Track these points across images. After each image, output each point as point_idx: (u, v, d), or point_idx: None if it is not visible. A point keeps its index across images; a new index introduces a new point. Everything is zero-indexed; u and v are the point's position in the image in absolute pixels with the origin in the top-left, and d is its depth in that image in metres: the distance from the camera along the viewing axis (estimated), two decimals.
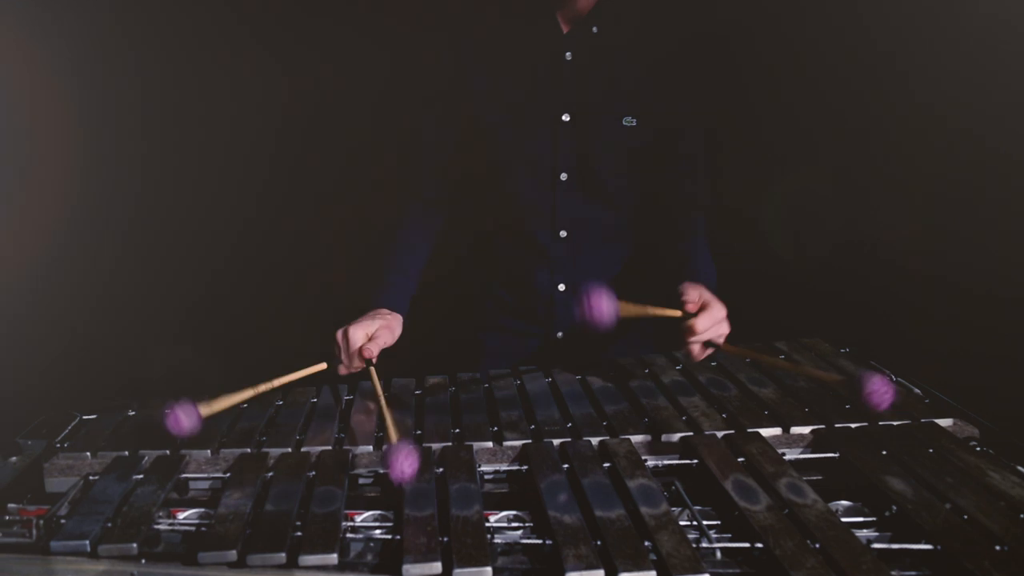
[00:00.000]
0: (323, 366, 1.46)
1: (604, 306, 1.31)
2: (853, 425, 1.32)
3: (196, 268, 2.39)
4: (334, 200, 2.38)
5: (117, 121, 2.28)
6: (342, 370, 1.48)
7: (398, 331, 1.55)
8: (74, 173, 2.22)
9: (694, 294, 1.42)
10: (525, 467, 1.24)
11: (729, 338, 1.44)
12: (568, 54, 1.59)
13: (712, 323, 1.40)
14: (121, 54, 2.26)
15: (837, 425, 1.32)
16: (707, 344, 1.42)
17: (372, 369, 1.44)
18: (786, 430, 1.32)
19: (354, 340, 1.46)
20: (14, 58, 2.09)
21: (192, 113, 2.33)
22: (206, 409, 1.27)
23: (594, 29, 1.59)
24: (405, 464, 1.11)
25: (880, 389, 1.18)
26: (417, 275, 1.68)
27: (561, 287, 1.72)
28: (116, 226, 2.30)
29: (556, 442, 1.29)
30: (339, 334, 1.48)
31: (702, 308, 1.41)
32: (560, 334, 1.76)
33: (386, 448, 1.14)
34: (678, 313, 1.42)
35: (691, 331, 1.39)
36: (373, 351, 1.45)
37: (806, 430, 1.32)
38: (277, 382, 1.38)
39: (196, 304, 2.39)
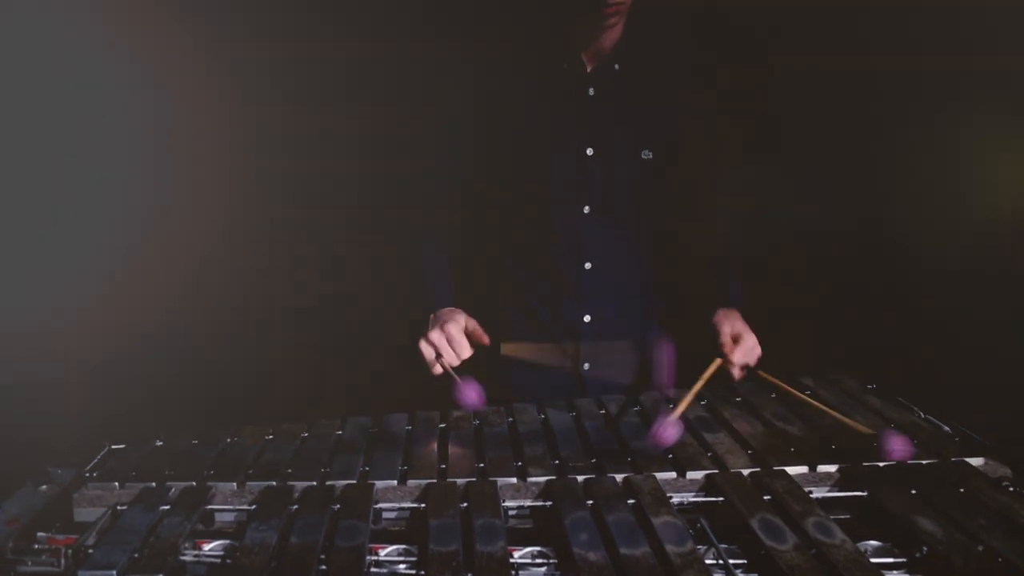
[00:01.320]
0: (719, 362, 1.57)
1: (669, 433, 1.34)
2: (881, 464, 1.30)
3: (234, 306, 2.41)
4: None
5: None
6: (438, 370, 1.51)
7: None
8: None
9: (726, 329, 1.58)
10: (549, 503, 1.24)
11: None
12: (591, 90, 1.65)
13: (746, 353, 1.56)
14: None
15: (864, 464, 1.30)
16: (744, 367, 1.57)
17: (504, 345, 1.62)
18: (812, 468, 1.31)
19: (455, 333, 1.51)
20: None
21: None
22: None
23: (616, 67, 1.65)
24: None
25: (899, 448, 1.30)
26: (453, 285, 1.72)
27: (587, 318, 1.74)
28: (154, 254, 2.33)
29: (580, 478, 1.29)
30: (434, 335, 1.51)
31: (735, 340, 1.57)
32: (587, 366, 1.77)
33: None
34: (719, 362, 1.57)
35: (729, 364, 1.55)
36: (483, 334, 1.55)
37: (833, 468, 1.31)
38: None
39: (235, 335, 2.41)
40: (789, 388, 1.54)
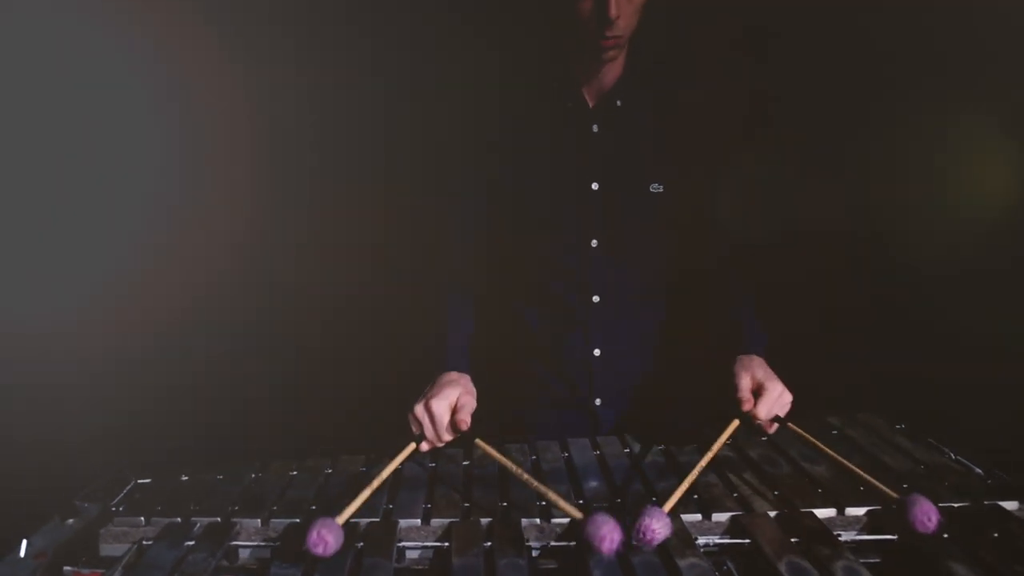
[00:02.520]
0: (413, 447, 1.41)
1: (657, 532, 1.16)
2: None
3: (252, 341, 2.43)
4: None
5: None
6: (425, 447, 1.43)
7: (475, 392, 1.51)
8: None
9: (745, 383, 1.45)
10: (574, 543, 1.23)
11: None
12: (595, 126, 1.66)
13: (772, 405, 1.43)
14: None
15: (895, 506, 1.28)
16: (775, 419, 1.45)
17: (479, 442, 1.38)
18: (840, 510, 1.29)
19: (440, 414, 1.41)
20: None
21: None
22: (341, 519, 1.20)
23: (618, 103, 1.66)
24: (613, 535, 1.11)
25: (925, 516, 1.15)
26: (469, 339, 1.68)
27: (596, 352, 1.73)
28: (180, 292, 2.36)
29: None
30: (419, 410, 1.43)
31: (757, 392, 1.45)
32: (598, 401, 1.77)
33: (587, 521, 1.13)
34: (736, 424, 1.43)
35: (755, 419, 1.43)
36: (466, 420, 1.41)
37: (861, 511, 1.29)
38: (377, 481, 1.29)
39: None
40: (819, 445, 1.38)
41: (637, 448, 1.55)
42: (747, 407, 1.43)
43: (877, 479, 1.34)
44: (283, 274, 2.39)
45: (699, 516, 1.29)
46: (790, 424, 1.43)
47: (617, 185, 1.66)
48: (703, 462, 1.34)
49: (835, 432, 1.60)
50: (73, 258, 2.22)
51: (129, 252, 2.28)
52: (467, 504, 1.35)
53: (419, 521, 1.29)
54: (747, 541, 1.22)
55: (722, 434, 1.41)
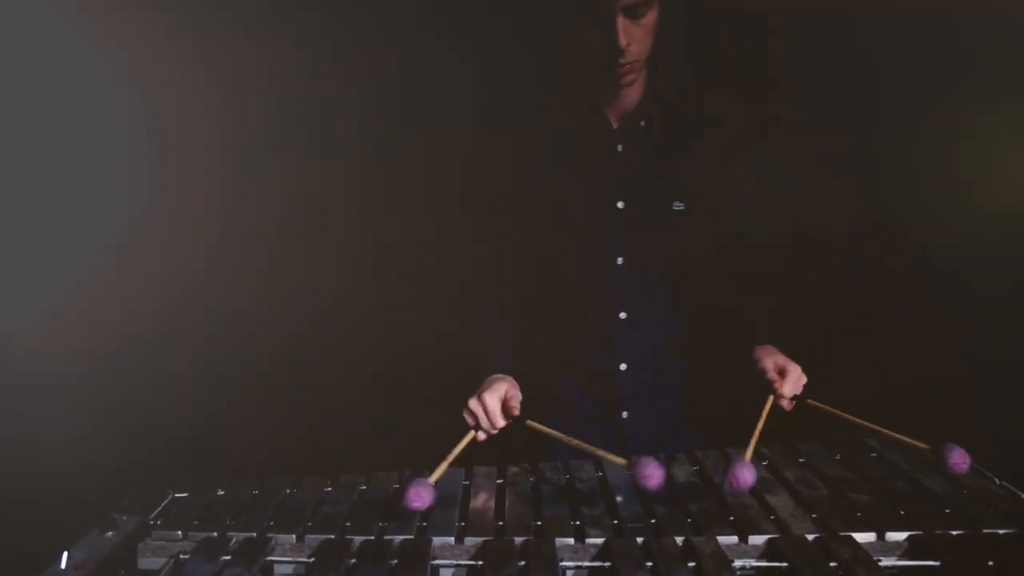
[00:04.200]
0: (472, 435, 1.55)
1: (747, 477, 1.37)
2: (954, 532, 1.25)
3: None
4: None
5: None
6: (482, 436, 1.57)
7: (519, 388, 1.63)
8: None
9: (770, 364, 1.61)
10: (608, 564, 1.22)
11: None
12: (619, 146, 1.70)
13: (794, 384, 1.59)
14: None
15: (937, 531, 1.26)
16: (793, 398, 1.59)
17: (530, 422, 1.53)
18: (881, 535, 1.27)
19: (492, 405, 1.55)
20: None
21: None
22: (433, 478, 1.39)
23: (641, 123, 1.69)
24: (656, 474, 1.33)
25: (960, 461, 1.39)
26: (510, 345, 1.76)
27: (623, 367, 1.75)
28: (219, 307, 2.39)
29: (639, 539, 1.27)
30: (473, 403, 1.56)
31: (781, 373, 1.59)
32: (625, 414, 1.78)
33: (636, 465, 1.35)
34: (772, 399, 1.58)
35: (780, 397, 1.57)
36: (516, 407, 1.55)
37: (902, 536, 1.26)
38: (444, 464, 1.45)
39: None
40: (840, 413, 1.53)
41: (673, 468, 1.54)
42: (778, 385, 1.58)
43: (919, 505, 1.33)
44: (331, 288, 2.41)
45: (735, 538, 1.28)
46: (809, 400, 1.58)
47: (642, 203, 1.70)
48: (755, 437, 1.49)
49: (874, 455, 1.58)
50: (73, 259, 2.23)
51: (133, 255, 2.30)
52: (501, 523, 1.35)
53: (453, 539, 1.29)
54: (784, 565, 1.20)
55: (762, 411, 1.55)
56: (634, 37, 1.51)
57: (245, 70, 2.26)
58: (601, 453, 1.43)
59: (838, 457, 1.57)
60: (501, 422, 1.55)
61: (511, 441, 1.59)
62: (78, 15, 2.12)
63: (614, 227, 1.70)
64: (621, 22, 1.49)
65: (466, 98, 2.20)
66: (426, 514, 1.38)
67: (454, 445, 1.50)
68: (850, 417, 1.52)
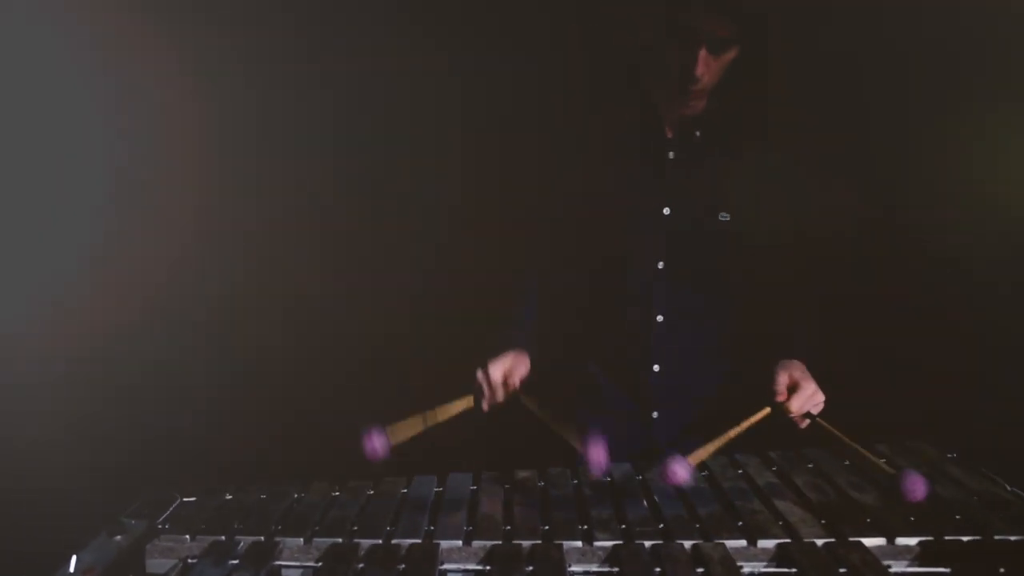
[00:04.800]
0: (470, 400, 1.60)
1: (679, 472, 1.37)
2: (965, 539, 1.25)
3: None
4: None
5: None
6: (485, 405, 1.62)
7: (528, 364, 1.68)
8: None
9: (782, 379, 1.57)
10: (616, 569, 1.22)
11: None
12: (671, 154, 1.71)
13: (804, 401, 1.55)
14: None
15: (947, 537, 1.25)
16: (806, 415, 1.55)
17: (525, 398, 1.58)
18: (891, 541, 1.26)
19: (495, 377, 1.60)
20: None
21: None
22: (392, 436, 1.46)
23: (697, 133, 1.71)
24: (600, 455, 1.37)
25: (917, 489, 1.32)
26: (534, 325, 1.79)
27: (656, 368, 1.76)
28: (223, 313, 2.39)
29: (647, 544, 1.27)
30: (480, 374, 1.61)
31: (792, 389, 1.56)
32: (655, 414, 1.78)
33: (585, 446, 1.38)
34: (767, 411, 1.55)
35: (787, 413, 1.54)
36: (516, 382, 1.61)
37: (912, 541, 1.25)
38: (431, 420, 1.53)
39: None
40: (838, 434, 1.50)
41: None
42: (780, 399, 1.55)
43: (929, 511, 1.32)
44: (338, 292, 2.41)
45: (744, 543, 1.27)
46: (819, 419, 1.54)
47: (687, 211, 1.71)
48: (731, 434, 1.48)
49: (884, 460, 1.57)
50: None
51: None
52: (508, 527, 1.34)
53: (460, 543, 1.29)
54: (793, 570, 1.20)
55: (753, 416, 1.53)
56: (710, 69, 1.56)
57: (235, 70, 2.27)
58: (576, 444, 1.46)
59: (847, 463, 1.56)
60: (500, 395, 1.61)
61: (517, 441, 1.61)
62: (60, 16, 2.13)
63: (658, 232, 1.72)
64: (703, 55, 1.53)
65: (517, 92, 2.21)
66: (434, 517, 1.38)
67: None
68: (852, 443, 1.48)
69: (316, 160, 2.35)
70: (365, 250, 2.41)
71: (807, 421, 1.55)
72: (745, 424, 1.52)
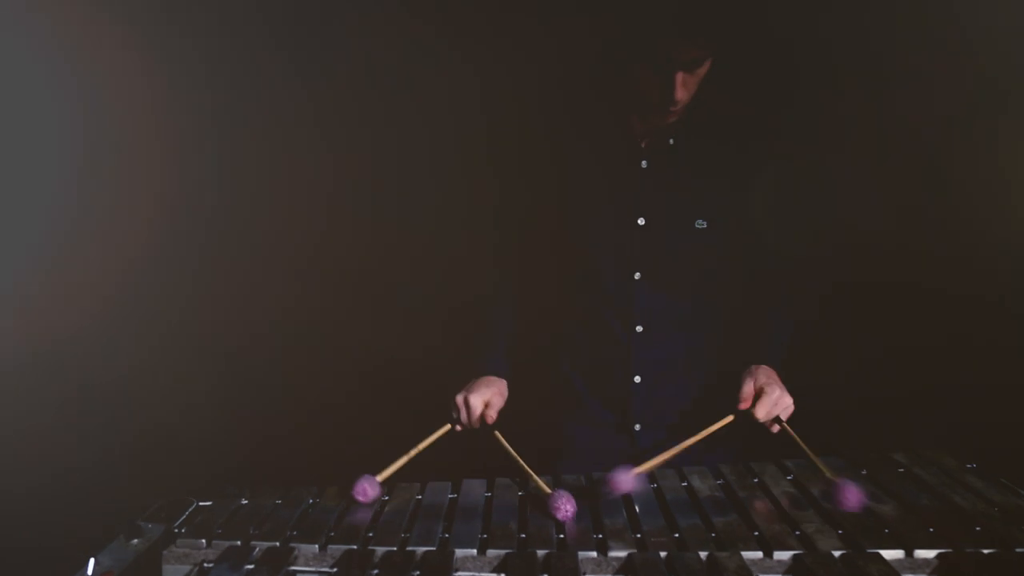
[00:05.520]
0: (448, 427, 1.67)
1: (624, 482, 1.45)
2: (985, 551, 1.23)
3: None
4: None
5: None
6: (459, 428, 1.69)
7: (506, 394, 1.75)
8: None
9: (748, 387, 1.60)
10: None
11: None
12: (644, 163, 1.70)
13: (770, 407, 1.57)
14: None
15: (967, 549, 1.24)
16: (775, 420, 1.58)
17: (497, 433, 1.62)
18: (909, 553, 1.25)
19: (474, 407, 1.67)
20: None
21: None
22: (380, 477, 1.52)
23: (670, 141, 1.70)
24: (567, 507, 1.38)
25: (852, 498, 1.37)
26: (511, 348, 1.83)
27: (637, 379, 1.76)
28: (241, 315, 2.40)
29: (662, 553, 1.26)
30: (459, 399, 1.68)
31: (758, 395, 1.58)
32: (638, 427, 1.78)
33: (552, 495, 1.39)
34: (730, 419, 1.59)
35: (753, 419, 1.57)
36: (493, 416, 1.67)
37: (931, 554, 1.24)
38: (414, 451, 1.58)
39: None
40: (802, 444, 1.53)
41: (696, 482, 1.53)
42: (744, 406, 1.59)
43: (948, 522, 1.31)
44: (346, 298, 2.42)
45: (760, 554, 1.26)
46: (786, 425, 1.57)
47: (663, 220, 1.71)
48: (687, 443, 1.53)
49: (901, 470, 1.56)
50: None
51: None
52: (523, 535, 1.34)
53: (475, 551, 1.29)
54: None
55: (716, 423, 1.58)
56: (687, 86, 1.56)
57: (207, 65, 2.27)
58: (535, 480, 1.50)
59: (864, 472, 1.55)
60: (477, 425, 1.67)
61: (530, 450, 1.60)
62: (19, 12, 2.09)
63: (633, 243, 1.71)
64: (680, 76, 1.53)
65: (488, 101, 2.22)
66: (448, 525, 1.39)
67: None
68: (808, 451, 1.51)
69: (292, 158, 2.35)
70: (351, 256, 2.41)
71: (776, 427, 1.58)
72: (705, 432, 1.56)
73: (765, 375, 1.62)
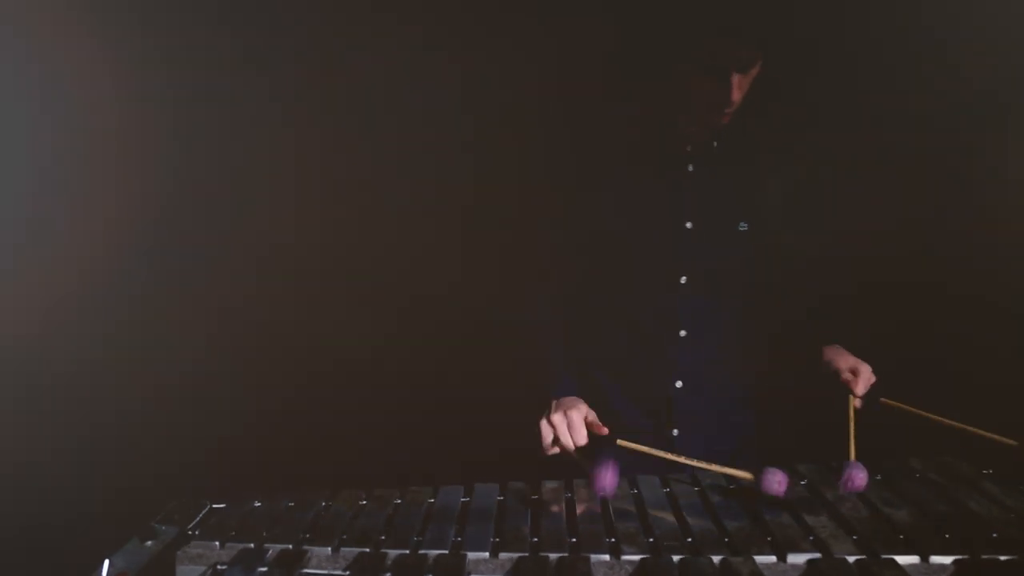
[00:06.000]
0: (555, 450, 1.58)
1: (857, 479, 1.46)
2: (1002, 557, 1.22)
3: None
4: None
5: None
6: (553, 451, 1.56)
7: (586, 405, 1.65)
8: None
9: (843, 364, 1.65)
10: None
11: None
12: (690, 166, 1.70)
13: (867, 383, 1.63)
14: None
15: (984, 556, 1.22)
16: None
17: (621, 441, 1.53)
18: (924, 559, 1.24)
19: (577, 421, 1.55)
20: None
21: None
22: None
23: (715, 144, 1.70)
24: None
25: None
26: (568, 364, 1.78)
27: (679, 384, 1.75)
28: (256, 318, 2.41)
29: (675, 558, 1.26)
30: (556, 418, 1.55)
31: (853, 373, 1.64)
32: (676, 432, 1.77)
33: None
34: (851, 399, 1.62)
35: (856, 397, 1.62)
36: (601, 425, 1.57)
37: (947, 560, 1.23)
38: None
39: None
40: (918, 411, 1.57)
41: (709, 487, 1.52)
42: (853, 385, 1.62)
43: (964, 528, 1.29)
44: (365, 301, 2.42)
45: (773, 558, 1.26)
46: (883, 399, 1.64)
47: (709, 224, 1.71)
48: (852, 438, 1.55)
49: (917, 475, 1.55)
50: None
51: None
52: (536, 539, 1.34)
53: (487, 554, 1.29)
54: None
55: (848, 412, 1.60)
56: (741, 87, 1.56)
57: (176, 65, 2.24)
58: (718, 469, 1.49)
59: (879, 477, 1.54)
60: (584, 440, 1.55)
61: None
62: None
63: (680, 247, 1.71)
64: (736, 78, 1.53)
65: (538, 112, 2.22)
66: (461, 529, 1.39)
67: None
68: (924, 413, 1.55)
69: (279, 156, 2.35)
70: (371, 261, 2.41)
71: (859, 403, 1.62)
72: (852, 418, 1.58)
73: (848, 354, 1.68)
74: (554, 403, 1.61)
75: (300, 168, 2.35)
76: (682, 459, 1.50)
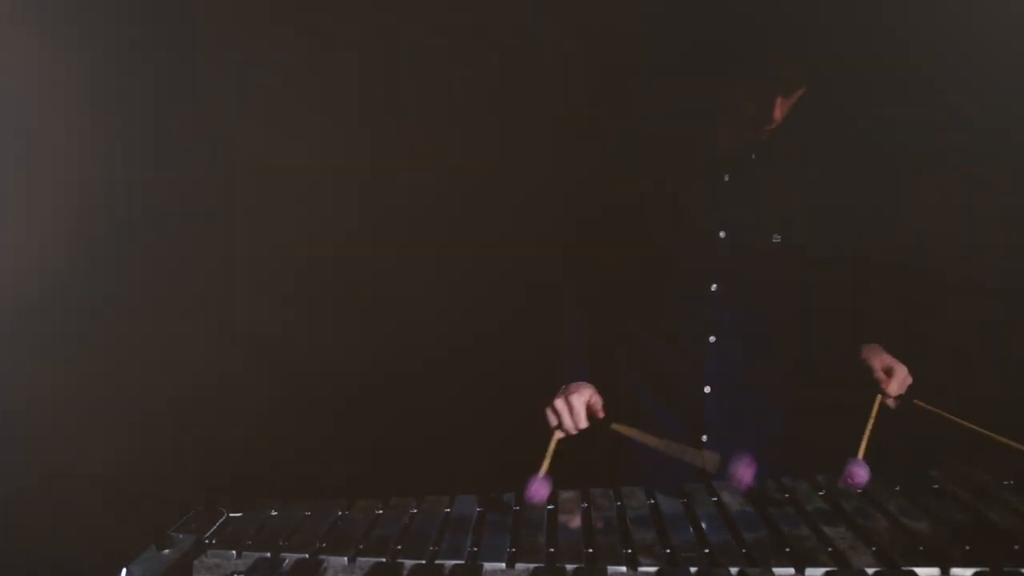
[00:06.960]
0: (559, 436, 1.62)
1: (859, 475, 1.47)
2: (1022, 569, 1.21)
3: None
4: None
5: None
6: (560, 435, 1.62)
7: (596, 392, 1.70)
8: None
9: (877, 364, 1.64)
10: None
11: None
12: (726, 176, 1.72)
13: (901, 384, 1.62)
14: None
15: (1005, 568, 1.21)
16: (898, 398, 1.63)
17: (616, 426, 1.62)
18: (945, 571, 1.22)
19: (578, 406, 1.62)
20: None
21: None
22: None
23: (753, 156, 1.71)
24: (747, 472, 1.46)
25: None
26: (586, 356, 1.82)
27: (707, 389, 1.76)
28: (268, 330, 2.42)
29: (693, 569, 1.25)
30: (559, 403, 1.62)
31: (887, 373, 1.63)
32: (705, 437, 1.77)
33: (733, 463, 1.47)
34: (880, 399, 1.61)
35: (886, 397, 1.61)
36: (600, 409, 1.65)
37: (968, 572, 1.22)
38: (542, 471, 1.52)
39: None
40: (948, 415, 1.55)
41: (726, 497, 1.52)
42: (885, 385, 1.61)
43: (985, 540, 1.28)
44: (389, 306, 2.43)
45: (792, 570, 1.25)
46: (917, 401, 1.62)
47: (742, 234, 1.72)
48: (867, 435, 1.53)
49: (936, 486, 1.53)
50: None
51: None
52: (552, 549, 1.33)
53: (504, 565, 1.29)
54: None
55: (871, 410, 1.59)
56: (784, 108, 1.58)
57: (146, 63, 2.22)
58: (692, 452, 1.54)
59: (898, 488, 1.52)
60: (584, 423, 1.62)
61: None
62: None
63: (712, 255, 1.72)
64: (780, 100, 1.55)
65: (575, 123, 2.22)
66: (477, 539, 1.38)
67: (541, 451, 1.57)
68: (957, 419, 1.53)
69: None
70: (389, 268, 2.41)
71: (898, 403, 1.62)
72: (873, 416, 1.57)
73: (885, 354, 1.67)
74: (563, 388, 1.67)
75: (320, 169, 2.34)
76: (663, 446, 1.57)
